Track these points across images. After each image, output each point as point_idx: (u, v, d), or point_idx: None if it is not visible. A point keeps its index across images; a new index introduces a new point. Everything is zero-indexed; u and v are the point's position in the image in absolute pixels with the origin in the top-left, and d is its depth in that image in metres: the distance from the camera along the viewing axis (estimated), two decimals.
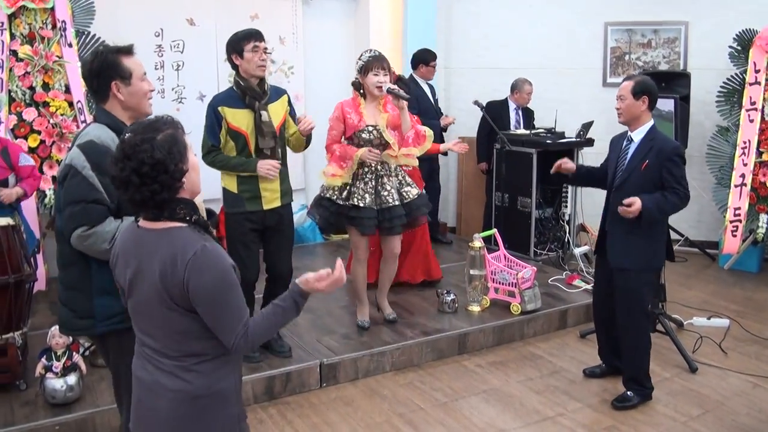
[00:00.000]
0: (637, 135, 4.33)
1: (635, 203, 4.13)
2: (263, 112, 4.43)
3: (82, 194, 2.81)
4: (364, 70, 4.85)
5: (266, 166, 4.44)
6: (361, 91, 4.95)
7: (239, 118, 4.42)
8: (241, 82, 4.44)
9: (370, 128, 4.89)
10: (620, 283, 4.38)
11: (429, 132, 5.09)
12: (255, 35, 4.41)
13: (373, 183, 4.97)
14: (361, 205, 4.91)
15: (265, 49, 4.45)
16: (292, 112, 4.69)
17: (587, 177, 4.82)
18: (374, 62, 4.83)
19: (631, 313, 4.36)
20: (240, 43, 4.38)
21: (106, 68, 2.93)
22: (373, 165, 4.93)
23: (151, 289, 2.26)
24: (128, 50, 3.00)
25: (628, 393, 4.47)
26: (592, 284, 4.91)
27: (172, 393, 2.30)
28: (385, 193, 4.97)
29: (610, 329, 4.64)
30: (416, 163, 5.16)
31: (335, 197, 4.98)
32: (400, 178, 5.11)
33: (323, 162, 5.08)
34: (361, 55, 4.91)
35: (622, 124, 4.40)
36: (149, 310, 2.30)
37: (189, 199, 2.33)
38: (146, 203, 2.23)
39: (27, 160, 5.07)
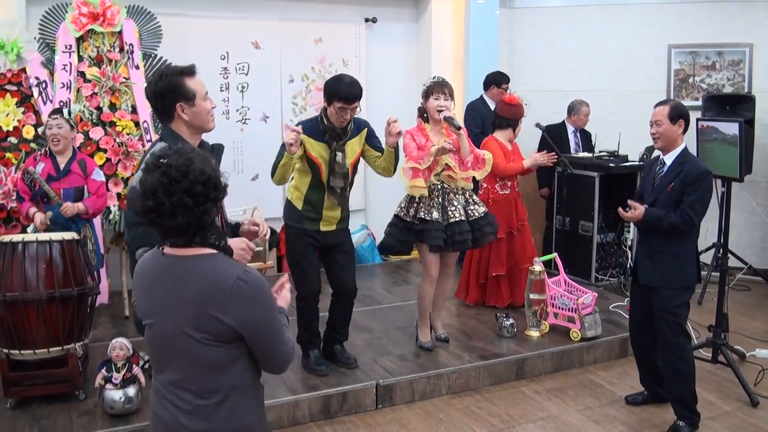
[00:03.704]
0: (669, 158, 4.32)
1: (638, 209, 4.24)
2: (339, 153, 4.60)
3: None
4: (426, 94, 5.02)
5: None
6: (425, 115, 5.09)
7: (317, 149, 4.60)
8: (326, 121, 4.61)
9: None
10: (655, 303, 4.32)
11: (488, 156, 5.14)
12: (348, 99, 4.46)
13: (440, 199, 5.03)
14: (428, 218, 4.96)
15: (354, 108, 4.54)
16: (372, 143, 4.80)
17: None
18: (435, 87, 4.99)
19: (668, 333, 4.28)
20: (332, 97, 4.51)
21: (170, 90, 2.97)
22: (440, 183, 5.03)
23: (180, 319, 2.18)
24: (191, 71, 3.04)
25: (680, 423, 4.32)
26: (628, 309, 4.81)
27: None
28: (452, 209, 5.03)
29: (647, 355, 4.58)
30: (471, 186, 5.20)
31: (402, 214, 5.07)
32: (467, 196, 5.17)
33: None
34: (426, 81, 5.09)
35: (659, 149, 4.39)
36: (174, 340, 2.21)
37: (217, 225, 2.27)
38: (187, 228, 2.16)
39: (99, 176, 5.24)
